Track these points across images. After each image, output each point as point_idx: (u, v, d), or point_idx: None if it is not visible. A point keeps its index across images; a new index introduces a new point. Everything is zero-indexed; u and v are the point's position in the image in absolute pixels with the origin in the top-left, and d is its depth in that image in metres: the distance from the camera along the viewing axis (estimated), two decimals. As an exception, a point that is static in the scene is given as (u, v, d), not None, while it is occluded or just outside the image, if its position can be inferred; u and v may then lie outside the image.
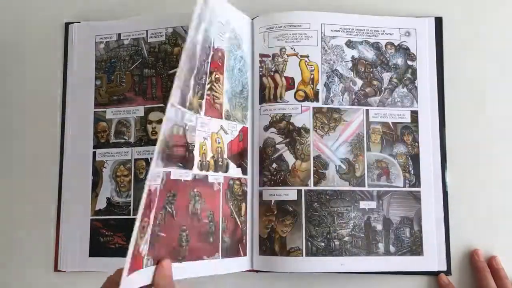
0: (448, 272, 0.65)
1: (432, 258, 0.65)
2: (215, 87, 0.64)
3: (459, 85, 0.69)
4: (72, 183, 0.68)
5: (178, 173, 0.58)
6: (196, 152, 0.61)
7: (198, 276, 0.62)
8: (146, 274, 0.52)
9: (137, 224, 0.48)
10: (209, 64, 0.63)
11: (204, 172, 0.62)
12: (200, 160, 0.61)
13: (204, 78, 0.62)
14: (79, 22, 0.71)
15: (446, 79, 0.68)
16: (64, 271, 0.66)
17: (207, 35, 0.61)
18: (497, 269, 0.64)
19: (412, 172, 0.66)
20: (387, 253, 0.64)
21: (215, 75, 0.64)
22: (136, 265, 0.50)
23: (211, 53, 0.63)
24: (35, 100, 0.70)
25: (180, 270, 0.56)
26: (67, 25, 0.71)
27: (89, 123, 0.69)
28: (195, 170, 0.60)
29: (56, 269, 0.67)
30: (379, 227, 0.65)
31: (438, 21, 0.69)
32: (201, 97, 0.61)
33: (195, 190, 0.61)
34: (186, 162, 0.59)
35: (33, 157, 0.69)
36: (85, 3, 0.72)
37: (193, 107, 0.60)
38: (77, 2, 0.72)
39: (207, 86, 0.62)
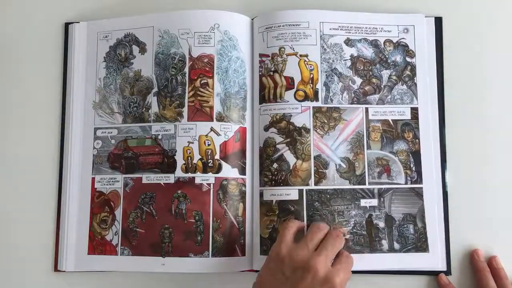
0: (448, 272, 0.64)
1: (437, 254, 0.64)
2: (202, 92, 0.65)
3: (458, 82, 0.68)
4: (72, 183, 0.68)
5: (154, 177, 0.65)
6: (179, 157, 0.65)
7: (185, 272, 0.64)
8: (122, 261, 0.64)
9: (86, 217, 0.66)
10: (186, 75, 0.66)
11: (189, 174, 0.64)
12: (184, 164, 0.64)
13: (181, 88, 0.66)
14: (79, 22, 0.71)
15: (445, 76, 0.68)
16: (64, 271, 0.66)
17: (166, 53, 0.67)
18: (497, 269, 0.64)
19: (413, 169, 0.66)
20: (392, 250, 0.64)
21: (201, 81, 0.65)
22: (103, 250, 0.65)
23: (188, 63, 0.66)
24: (35, 100, 0.70)
25: (165, 265, 0.63)
26: (67, 25, 0.71)
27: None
28: (179, 173, 0.65)
29: (56, 269, 0.67)
30: (381, 224, 0.64)
31: (438, 21, 0.69)
32: (180, 106, 0.65)
33: (179, 191, 0.64)
34: (165, 167, 0.65)
35: (33, 157, 0.69)
36: (85, 3, 0.72)
37: (167, 117, 0.65)
38: (77, 2, 0.73)
39: (190, 94, 0.65)
